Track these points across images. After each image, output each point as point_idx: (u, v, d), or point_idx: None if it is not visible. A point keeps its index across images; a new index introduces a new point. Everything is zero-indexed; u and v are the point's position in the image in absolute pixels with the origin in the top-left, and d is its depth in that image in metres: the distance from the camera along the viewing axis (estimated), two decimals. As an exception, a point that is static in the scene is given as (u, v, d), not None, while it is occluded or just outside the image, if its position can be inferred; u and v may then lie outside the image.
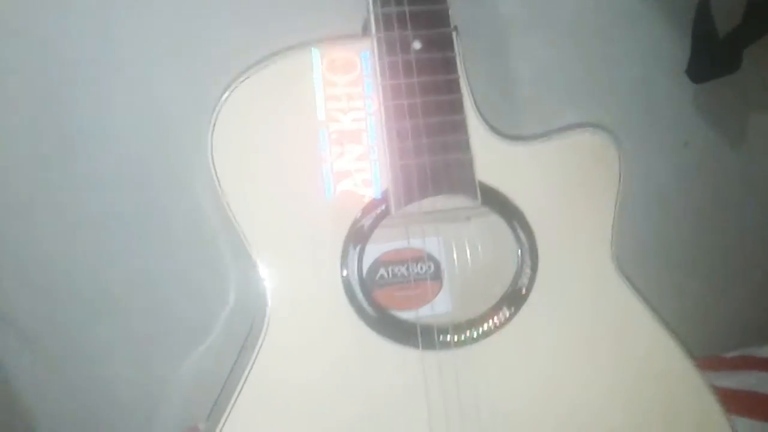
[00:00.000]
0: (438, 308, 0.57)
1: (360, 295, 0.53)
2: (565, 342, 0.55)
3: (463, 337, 0.53)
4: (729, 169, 0.88)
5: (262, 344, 0.52)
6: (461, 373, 0.53)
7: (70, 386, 0.77)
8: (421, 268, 0.58)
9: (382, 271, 0.58)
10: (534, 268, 0.55)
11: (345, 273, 0.53)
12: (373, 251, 0.57)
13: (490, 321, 0.54)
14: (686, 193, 0.87)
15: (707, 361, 0.93)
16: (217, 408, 0.58)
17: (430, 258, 0.58)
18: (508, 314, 0.54)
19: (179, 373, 0.76)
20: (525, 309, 0.55)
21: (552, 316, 0.55)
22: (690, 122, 0.84)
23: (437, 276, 0.58)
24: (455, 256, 0.58)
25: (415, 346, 0.53)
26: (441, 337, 0.53)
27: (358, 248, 0.53)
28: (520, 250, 0.55)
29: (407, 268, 0.58)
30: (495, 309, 0.54)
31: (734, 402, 0.86)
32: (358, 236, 0.53)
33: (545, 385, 0.55)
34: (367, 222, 0.53)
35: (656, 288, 0.64)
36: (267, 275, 0.52)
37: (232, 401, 0.52)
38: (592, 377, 0.55)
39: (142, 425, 0.79)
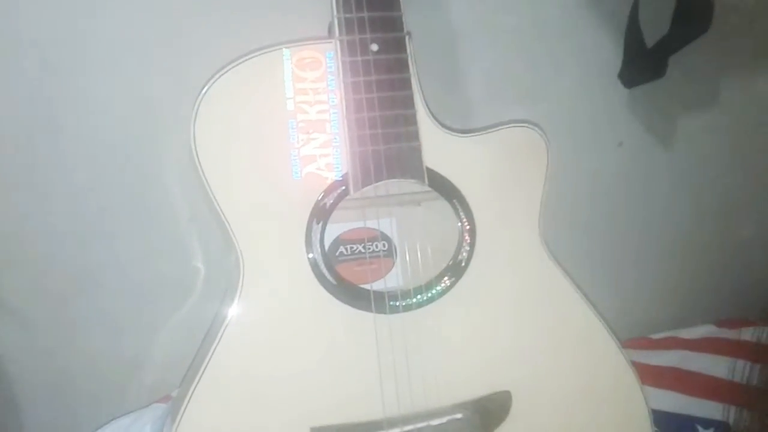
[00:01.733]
0: (390, 283, 0.64)
1: (322, 266, 0.60)
2: (497, 307, 0.63)
3: (410, 303, 0.61)
4: (658, 166, 0.93)
5: (232, 310, 0.58)
6: (409, 334, 0.60)
7: (49, 356, 0.81)
8: (376, 246, 0.64)
9: (341, 248, 0.64)
10: (472, 244, 0.62)
11: (309, 247, 0.59)
12: (335, 230, 0.63)
13: (434, 289, 0.62)
14: (620, 187, 0.93)
15: (636, 341, 1.01)
16: (190, 373, 0.63)
17: (384, 237, 0.64)
18: (449, 283, 0.62)
19: (154, 343, 0.81)
20: (464, 279, 0.62)
21: (487, 285, 0.62)
22: (624, 123, 0.89)
23: (390, 254, 0.65)
24: (406, 235, 0.65)
25: (369, 310, 0.60)
26: (391, 302, 0.60)
27: (320, 224, 0.60)
28: (461, 228, 0.63)
29: (364, 246, 0.64)
30: (438, 278, 0.62)
31: (660, 377, 0.95)
32: (320, 213, 0.60)
33: (480, 344, 0.62)
34: (329, 201, 0.60)
35: (591, 275, 0.71)
36: (240, 247, 0.59)
37: (204, 365, 0.58)
38: (518, 339, 0.63)
39: (119, 393, 0.83)
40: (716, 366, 0.97)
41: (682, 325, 1.06)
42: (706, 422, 0.90)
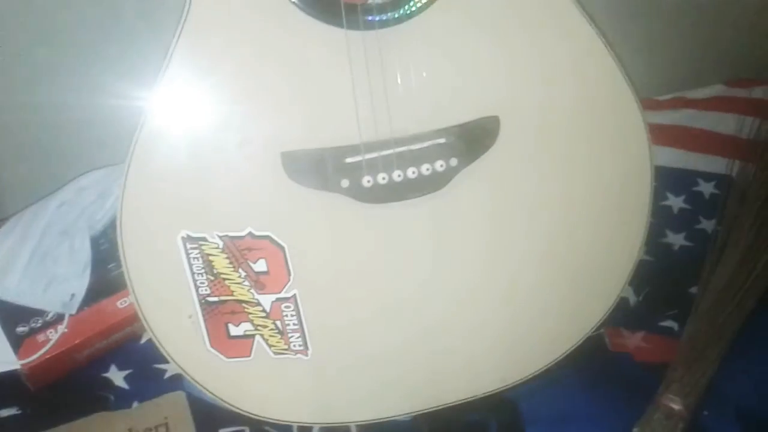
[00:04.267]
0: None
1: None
2: (487, 23, 0.56)
3: (388, 17, 0.54)
4: None
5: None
6: (386, 53, 0.54)
7: (25, 111, 0.80)
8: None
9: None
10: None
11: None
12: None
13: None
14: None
15: (643, 102, 0.97)
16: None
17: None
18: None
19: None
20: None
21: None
22: None
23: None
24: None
25: (340, 25, 0.54)
26: (366, 16, 0.54)
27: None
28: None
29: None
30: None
31: (662, 135, 0.91)
32: None
33: (466, 64, 0.56)
34: None
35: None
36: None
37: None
38: (511, 58, 0.57)
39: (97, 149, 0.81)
40: (723, 123, 0.93)
41: (691, 86, 1.01)
42: (708, 176, 0.88)
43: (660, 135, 0.88)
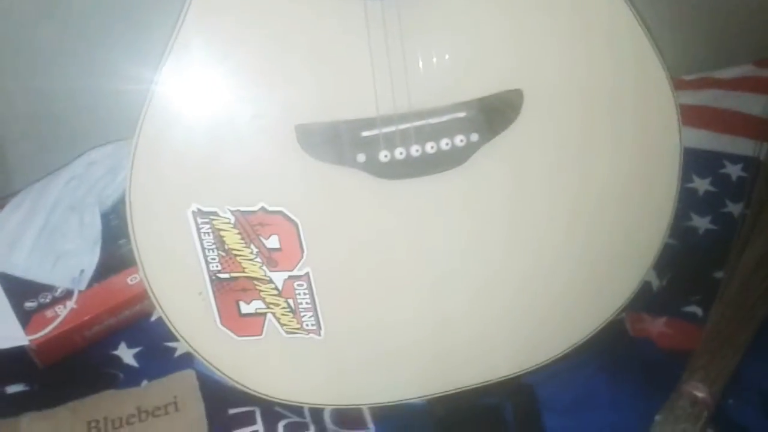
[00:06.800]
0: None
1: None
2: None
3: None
4: None
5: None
6: (405, 21, 0.52)
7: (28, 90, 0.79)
8: None
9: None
10: None
11: None
12: None
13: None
14: None
15: (668, 81, 0.95)
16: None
17: None
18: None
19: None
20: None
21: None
22: None
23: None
24: None
25: (358, -6, 0.52)
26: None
27: None
28: None
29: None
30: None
31: (691, 116, 0.88)
32: None
33: (490, 34, 0.54)
34: None
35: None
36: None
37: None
38: (537, 30, 0.54)
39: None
40: (751, 103, 0.91)
41: (719, 66, 0.99)
42: (735, 158, 0.85)
43: (686, 115, 0.84)
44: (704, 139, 0.86)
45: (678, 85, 0.93)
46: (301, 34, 0.52)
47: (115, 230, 0.74)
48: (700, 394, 0.59)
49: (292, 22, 0.52)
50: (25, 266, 0.72)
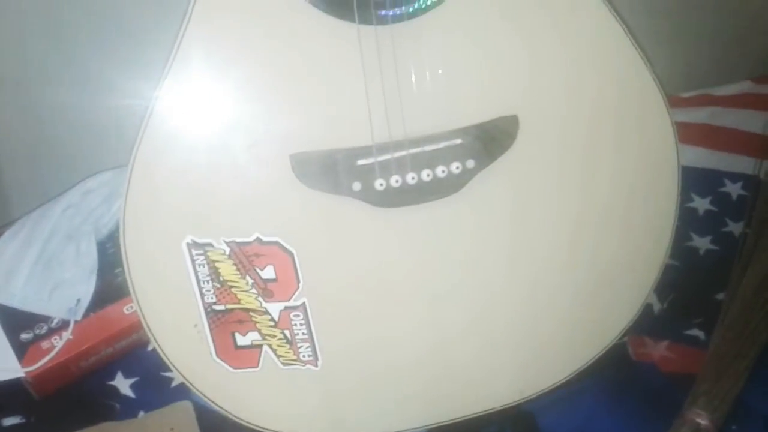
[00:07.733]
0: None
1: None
2: (508, 15, 0.53)
3: (401, 11, 0.51)
4: None
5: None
6: (399, 49, 0.52)
7: (27, 114, 0.78)
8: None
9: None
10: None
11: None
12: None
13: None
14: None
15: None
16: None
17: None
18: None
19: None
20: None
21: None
22: None
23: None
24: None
25: (352, 20, 0.51)
26: (379, 10, 0.51)
27: None
28: None
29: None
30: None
31: (689, 134, 0.88)
32: None
33: (485, 61, 0.53)
34: None
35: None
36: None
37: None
38: (533, 54, 0.54)
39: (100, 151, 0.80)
40: (750, 121, 0.90)
41: (717, 83, 0.98)
42: (735, 176, 0.84)
43: (684, 133, 0.84)
44: (703, 157, 0.86)
45: (676, 102, 0.93)
46: (294, 63, 0.52)
47: (111, 259, 0.74)
48: (703, 422, 0.58)
49: (287, 49, 0.52)
50: (22, 296, 0.71)
